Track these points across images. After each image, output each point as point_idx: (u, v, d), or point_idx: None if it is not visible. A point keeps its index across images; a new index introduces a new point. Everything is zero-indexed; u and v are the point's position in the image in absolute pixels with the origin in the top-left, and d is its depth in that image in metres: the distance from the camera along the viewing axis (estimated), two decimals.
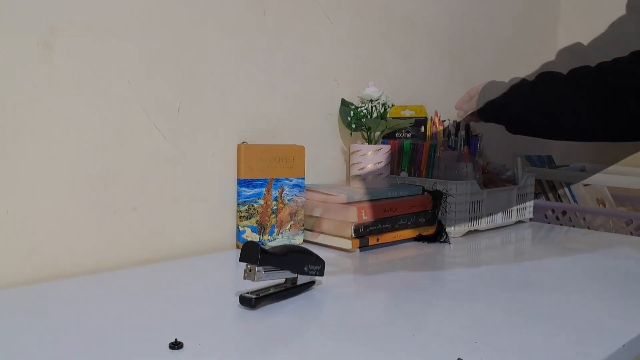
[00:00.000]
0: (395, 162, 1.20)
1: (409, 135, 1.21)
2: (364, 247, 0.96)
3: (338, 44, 1.16)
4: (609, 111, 0.71)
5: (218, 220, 0.97)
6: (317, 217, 1.01)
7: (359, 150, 1.09)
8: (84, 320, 0.62)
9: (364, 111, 1.09)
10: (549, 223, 1.36)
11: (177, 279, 0.80)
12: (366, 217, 0.92)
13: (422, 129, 1.21)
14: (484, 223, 1.13)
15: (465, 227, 1.09)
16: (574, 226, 1.36)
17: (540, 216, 1.38)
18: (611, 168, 1.49)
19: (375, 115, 1.09)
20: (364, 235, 0.96)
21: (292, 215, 1.00)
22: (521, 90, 0.77)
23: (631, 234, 1.30)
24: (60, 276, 0.79)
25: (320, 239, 0.99)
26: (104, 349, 0.54)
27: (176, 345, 0.54)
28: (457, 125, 1.25)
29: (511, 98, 0.78)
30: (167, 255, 0.91)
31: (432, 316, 0.66)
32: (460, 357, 0.53)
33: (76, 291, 0.73)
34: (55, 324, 0.61)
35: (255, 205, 0.97)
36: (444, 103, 1.40)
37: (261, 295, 0.67)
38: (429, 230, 1.04)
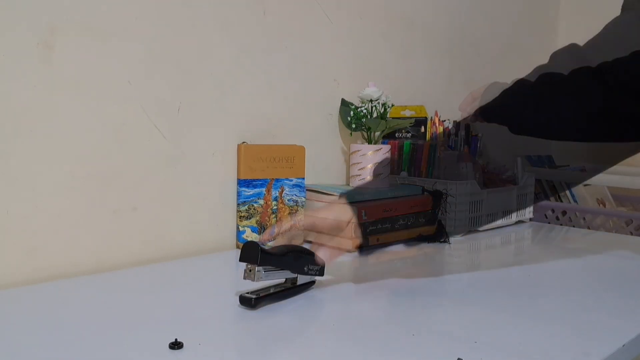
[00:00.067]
0: (395, 162, 1.20)
1: (409, 135, 1.21)
2: (364, 247, 0.96)
3: (338, 44, 1.16)
4: (611, 111, 0.71)
5: (218, 220, 0.97)
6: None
7: (359, 150, 1.09)
8: (84, 320, 0.62)
9: (364, 111, 1.09)
10: (549, 223, 1.36)
11: (177, 279, 0.80)
12: (366, 217, 0.92)
13: (422, 129, 1.21)
14: (484, 223, 1.13)
15: (465, 227, 1.09)
16: (574, 226, 1.36)
17: (540, 216, 1.38)
18: (611, 168, 1.49)
19: (375, 115, 1.09)
20: (364, 236, 0.96)
21: (292, 215, 1.00)
22: (523, 91, 0.77)
23: (631, 234, 1.30)
24: (60, 276, 0.79)
25: (322, 239, 0.99)
26: (104, 349, 0.54)
27: (176, 345, 0.54)
28: (456, 125, 1.25)
29: (513, 99, 0.78)
30: (167, 255, 0.91)
31: (432, 316, 0.66)
32: (460, 357, 0.53)
33: (76, 291, 0.73)
34: (55, 324, 0.60)
35: (255, 205, 0.97)
36: (444, 103, 1.40)
37: (261, 295, 0.67)
38: (429, 230, 1.04)
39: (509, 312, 0.68)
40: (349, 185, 1.13)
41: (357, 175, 1.10)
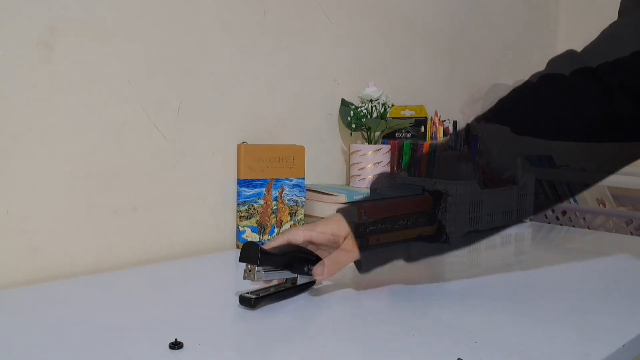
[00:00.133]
0: (395, 162, 1.20)
1: (409, 135, 1.21)
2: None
3: (338, 44, 1.16)
4: (612, 114, 0.71)
5: (218, 220, 0.97)
6: (317, 217, 1.01)
7: (359, 150, 1.09)
8: (84, 320, 0.62)
9: (364, 111, 1.09)
10: (549, 223, 1.36)
11: (177, 279, 0.80)
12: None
13: (422, 129, 1.21)
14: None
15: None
16: (574, 226, 1.36)
17: (540, 216, 1.38)
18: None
19: (375, 115, 1.09)
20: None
21: (292, 215, 1.00)
22: (525, 92, 0.77)
23: (631, 234, 1.30)
24: (60, 276, 0.79)
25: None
26: (104, 349, 0.54)
27: (176, 345, 0.54)
28: (455, 125, 1.25)
29: (515, 101, 0.77)
30: (167, 255, 0.91)
31: (432, 316, 0.66)
32: (460, 357, 0.53)
33: (76, 291, 0.73)
34: (55, 324, 0.60)
35: (255, 205, 0.97)
36: (444, 103, 1.40)
37: (261, 295, 0.67)
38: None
39: (509, 312, 0.68)
40: (349, 185, 1.13)
41: (357, 175, 1.10)
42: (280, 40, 1.05)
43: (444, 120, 1.25)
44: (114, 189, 0.84)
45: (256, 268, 0.66)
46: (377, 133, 1.10)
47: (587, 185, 0.79)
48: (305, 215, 1.02)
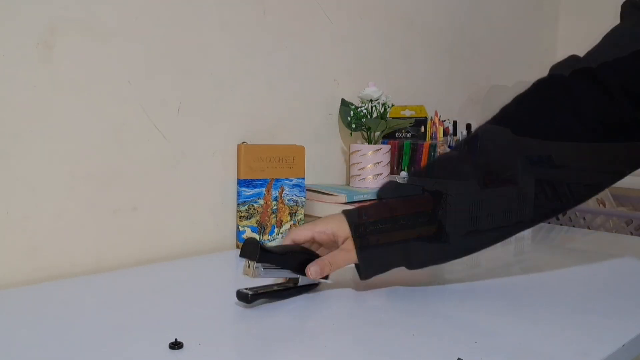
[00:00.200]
0: (395, 162, 1.20)
1: (409, 135, 1.21)
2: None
3: (338, 44, 1.16)
4: (612, 113, 0.71)
5: (218, 220, 0.97)
6: (317, 217, 1.01)
7: (359, 150, 1.09)
8: (84, 320, 0.62)
9: (364, 111, 1.09)
10: (549, 223, 1.36)
11: (177, 279, 0.80)
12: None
13: (422, 129, 1.21)
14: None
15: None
16: (574, 226, 1.36)
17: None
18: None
19: (375, 115, 1.09)
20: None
21: (292, 215, 1.00)
22: (526, 97, 0.77)
23: (631, 234, 1.30)
24: (60, 276, 0.79)
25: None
26: (104, 349, 0.54)
27: (176, 345, 0.54)
28: (455, 124, 1.25)
29: (517, 106, 0.77)
30: (167, 255, 0.91)
31: (432, 316, 0.66)
32: (460, 357, 0.53)
33: (76, 291, 0.73)
34: (55, 324, 0.60)
35: (255, 205, 0.97)
36: (444, 103, 1.40)
37: (259, 292, 0.67)
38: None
39: (509, 312, 0.68)
40: (349, 185, 1.13)
41: (357, 175, 1.10)
42: (280, 40, 1.05)
43: (444, 120, 1.25)
44: (114, 189, 0.84)
45: (254, 264, 0.66)
46: (377, 133, 1.10)
47: (594, 191, 0.78)
48: (305, 215, 1.02)
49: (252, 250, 0.66)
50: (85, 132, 0.81)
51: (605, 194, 1.47)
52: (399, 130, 1.22)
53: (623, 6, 0.76)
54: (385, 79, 1.26)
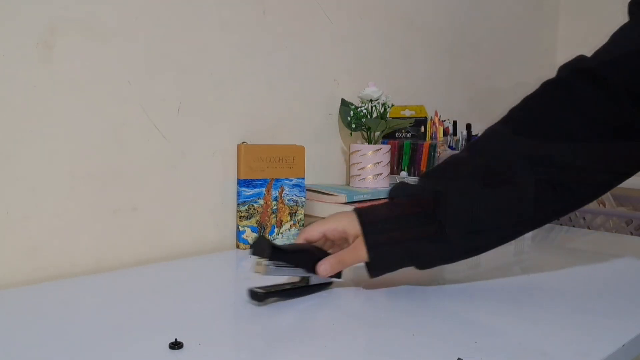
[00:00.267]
0: (395, 162, 1.20)
1: (408, 135, 1.21)
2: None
3: (338, 44, 1.16)
4: (615, 112, 0.70)
5: (218, 220, 0.97)
6: (317, 217, 1.01)
7: (359, 150, 1.09)
8: (84, 320, 0.62)
9: (364, 111, 1.09)
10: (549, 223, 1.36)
11: (177, 279, 0.80)
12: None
13: (422, 128, 1.21)
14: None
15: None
16: (574, 226, 1.36)
17: None
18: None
19: (375, 115, 1.09)
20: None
21: (292, 215, 1.00)
22: (533, 98, 0.76)
23: (631, 234, 1.30)
24: (60, 276, 0.79)
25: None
26: (104, 349, 0.54)
27: (176, 345, 0.54)
28: (455, 124, 1.25)
29: (524, 105, 0.77)
30: (167, 255, 0.91)
31: (432, 316, 0.66)
32: (460, 357, 0.53)
33: (76, 291, 0.73)
34: (55, 324, 0.60)
35: (255, 205, 0.97)
36: (444, 103, 1.40)
37: (271, 291, 0.67)
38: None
39: (509, 312, 0.68)
40: (349, 185, 1.13)
41: (357, 175, 1.10)
42: (280, 40, 1.05)
43: (444, 120, 1.26)
44: (114, 189, 0.84)
45: (265, 262, 0.66)
46: (377, 133, 1.10)
47: (598, 192, 0.77)
48: (305, 215, 1.02)
49: (263, 248, 0.66)
50: (85, 132, 0.81)
51: (605, 194, 1.47)
52: (399, 130, 1.22)
53: (630, 4, 0.75)
54: (385, 79, 1.26)
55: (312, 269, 0.71)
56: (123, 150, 0.85)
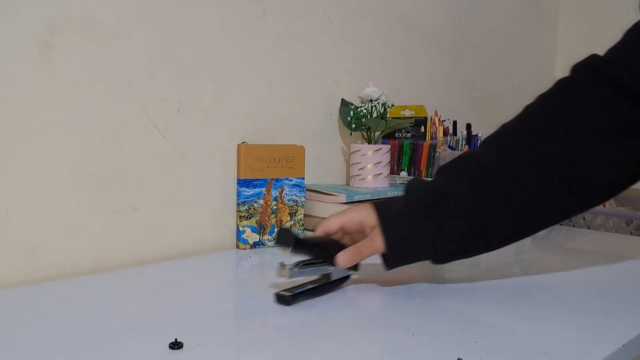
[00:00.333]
0: (395, 162, 1.20)
1: (408, 135, 1.21)
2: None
3: (338, 44, 1.16)
4: (623, 112, 0.70)
5: (218, 220, 0.97)
6: (317, 217, 1.01)
7: (359, 150, 1.09)
8: (84, 320, 0.62)
9: (364, 111, 1.09)
10: None
11: (177, 279, 0.80)
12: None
13: (422, 128, 1.21)
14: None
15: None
16: (573, 226, 1.36)
17: None
18: None
19: (375, 115, 1.09)
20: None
21: (292, 215, 1.00)
22: (544, 97, 0.76)
23: (631, 233, 1.30)
24: (60, 276, 0.79)
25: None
26: (104, 349, 0.54)
27: (176, 345, 0.54)
28: (455, 124, 1.25)
29: (536, 103, 0.77)
30: (167, 255, 0.91)
31: (432, 316, 0.66)
32: (460, 357, 0.53)
33: (76, 291, 0.73)
34: (55, 324, 0.60)
35: (255, 205, 0.97)
36: (444, 103, 1.40)
37: (297, 292, 0.68)
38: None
39: (509, 312, 0.68)
40: (349, 185, 1.13)
41: (357, 175, 1.10)
42: (280, 40, 1.05)
43: (444, 120, 1.26)
44: (114, 189, 0.84)
45: (288, 265, 0.68)
46: (377, 133, 1.10)
47: (609, 194, 0.77)
48: (305, 215, 1.02)
49: (287, 239, 0.68)
50: (85, 132, 0.81)
51: None
52: (399, 130, 1.22)
53: None
54: (385, 79, 1.26)
55: (331, 262, 0.72)
56: (123, 150, 0.85)
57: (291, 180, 1.00)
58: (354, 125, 1.11)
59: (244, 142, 0.99)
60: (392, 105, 1.12)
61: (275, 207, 0.99)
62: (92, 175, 0.82)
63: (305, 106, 1.10)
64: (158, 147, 0.89)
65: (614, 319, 0.66)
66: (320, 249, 0.72)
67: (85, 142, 0.81)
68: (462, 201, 0.71)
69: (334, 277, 0.73)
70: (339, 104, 1.15)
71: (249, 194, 0.97)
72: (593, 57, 0.74)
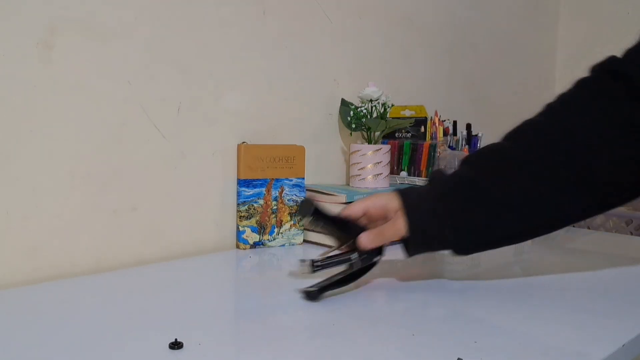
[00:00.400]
0: (395, 162, 1.20)
1: (408, 135, 1.21)
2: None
3: (338, 44, 1.16)
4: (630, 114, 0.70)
5: (218, 220, 0.97)
6: None
7: (359, 150, 1.09)
8: (84, 320, 0.62)
9: (364, 111, 1.09)
10: None
11: (177, 279, 0.80)
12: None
13: (422, 128, 1.21)
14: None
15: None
16: (573, 226, 1.36)
17: None
18: None
19: (375, 115, 1.09)
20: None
21: (292, 215, 1.00)
22: (564, 94, 0.76)
23: (631, 233, 1.30)
24: (60, 276, 0.79)
25: (321, 238, 0.99)
26: (104, 349, 0.54)
27: (176, 345, 0.54)
28: (455, 124, 1.25)
29: (556, 101, 0.77)
30: (167, 255, 0.91)
31: (432, 316, 0.66)
32: (460, 357, 0.53)
33: (76, 291, 0.73)
34: (55, 324, 0.60)
35: (255, 205, 0.97)
36: (444, 103, 1.40)
37: (323, 285, 0.69)
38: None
39: (509, 312, 0.68)
40: (349, 185, 1.13)
41: (357, 175, 1.10)
42: (280, 40, 1.05)
43: (444, 120, 1.25)
44: (114, 189, 0.84)
45: (309, 262, 0.69)
46: (377, 133, 1.10)
47: (627, 197, 0.77)
48: None
49: (307, 208, 0.69)
50: (85, 132, 0.81)
51: None
52: (399, 130, 1.22)
53: None
54: (385, 79, 1.26)
55: (351, 242, 0.72)
56: (123, 150, 0.85)
57: (291, 180, 1.00)
58: (354, 125, 1.11)
59: (244, 142, 0.99)
60: (392, 105, 1.12)
61: (275, 207, 0.99)
62: (92, 175, 0.82)
63: (305, 106, 1.10)
64: (158, 147, 0.89)
65: (614, 319, 0.66)
66: (340, 225, 0.72)
67: (85, 142, 0.81)
68: (486, 192, 0.71)
69: (357, 266, 0.73)
70: (339, 104, 1.15)
71: (249, 194, 0.97)
72: (611, 58, 0.74)
